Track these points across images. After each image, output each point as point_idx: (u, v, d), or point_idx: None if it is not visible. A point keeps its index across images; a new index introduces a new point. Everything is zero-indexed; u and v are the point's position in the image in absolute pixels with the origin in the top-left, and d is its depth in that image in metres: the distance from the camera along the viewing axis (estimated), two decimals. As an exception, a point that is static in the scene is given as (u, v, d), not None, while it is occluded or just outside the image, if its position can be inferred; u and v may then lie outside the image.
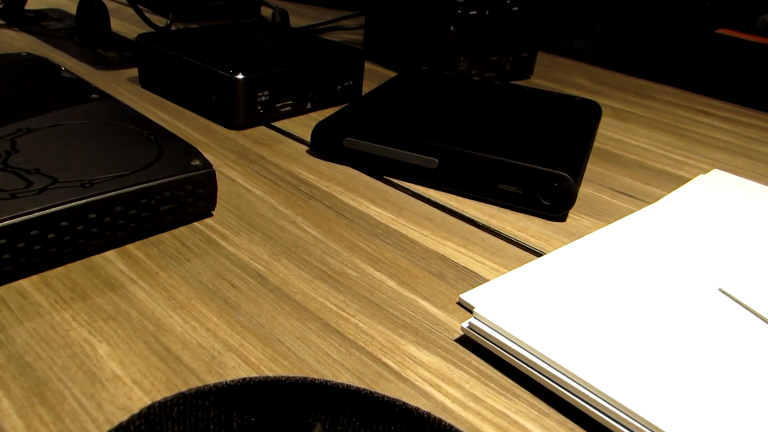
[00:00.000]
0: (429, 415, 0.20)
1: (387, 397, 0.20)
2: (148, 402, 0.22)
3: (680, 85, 0.71)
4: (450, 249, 0.33)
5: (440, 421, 0.20)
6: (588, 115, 0.46)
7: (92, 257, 0.29)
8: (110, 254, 0.30)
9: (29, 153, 0.31)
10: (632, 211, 0.39)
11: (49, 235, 0.27)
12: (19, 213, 0.26)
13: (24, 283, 0.27)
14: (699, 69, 0.79)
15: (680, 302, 0.28)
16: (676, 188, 0.42)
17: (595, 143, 0.51)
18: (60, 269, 0.28)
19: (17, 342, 0.24)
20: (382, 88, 0.48)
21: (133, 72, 0.56)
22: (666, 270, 0.30)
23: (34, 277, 0.28)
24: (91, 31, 0.62)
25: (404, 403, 0.20)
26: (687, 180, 0.44)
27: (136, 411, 0.21)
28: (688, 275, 0.30)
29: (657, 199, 0.41)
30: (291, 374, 0.24)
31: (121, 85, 0.52)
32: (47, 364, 0.23)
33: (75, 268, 0.29)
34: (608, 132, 0.54)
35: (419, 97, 0.47)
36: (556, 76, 0.70)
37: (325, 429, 0.20)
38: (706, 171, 0.46)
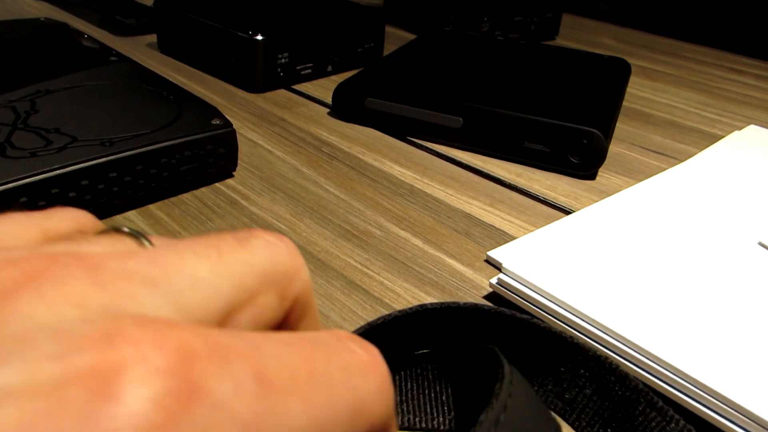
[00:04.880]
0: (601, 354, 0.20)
1: (553, 328, 0.20)
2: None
3: (708, 44, 0.68)
4: (476, 208, 0.33)
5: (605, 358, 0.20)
6: (617, 73, 0.45)
7: (114, 217, 0.29)
8: (131, 214, 0.30)
9: (49, 113, 0.31)
10: (664, 169, 0.38)
11: (70, 194, 0.27)
12: (39, 171, 0.26)
13: (47, 242, 0.27)
14: (727, 28, 0.76)
15: (718, 256, 0.27)
16: (709, 146, 0.40)
17: (624, 102, 0.49)
18: (82, 228, 0.28)
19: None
20: (404, 50, 0.47)
21: (153, 38, 0.56)
22: (702, 224, 0.29)
23: (57, 237, 0.27)
24: (109, -1, 0.62)
25: (571, 337, 0.20)
26: (720, 137, 0.43)
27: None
28: (725, 229, 0.29)
29: (689, 156, 0.39)
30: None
31: (141, 51, 0.52)
32: (71, 320, 0.23)
33: (97, 227, 0.28)
34: (637, 91, 0.52)
35: (442, 58, 0.46)
36: (582, 36, 0.68)
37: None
38: (740, 128, 0.45)
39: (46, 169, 0.26)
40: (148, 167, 0.29)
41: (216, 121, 0.32)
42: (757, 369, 0.21)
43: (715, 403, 0.20)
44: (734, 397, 0.19)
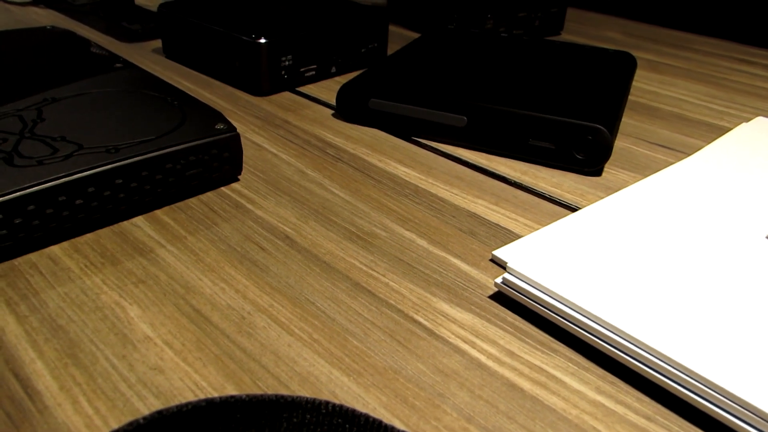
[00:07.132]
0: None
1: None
2: (180, 362, 0.22)
3: (717, 35, 0.68)
4: (481, 207, 0.33)
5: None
6: (622, 67, 0.44)
7: (121, 223, 0.29)
8: (138, 220, 0.30)
9: (55, 121, 0.31)
10: (671, 163, 0.38)
11: (77, 201, 0.27)
12: (45, 179, 0.26)
13: (55, 249, 0.27)
14: (736, 18, 0.75)
15: (725, 251, 0.27)
16: (716, 138, 0.40)
17: (630, 96, 0.49)
18: (89, 235, 0.28)
19: (50, 306, 0.24)
20: (407, 49, 0.47)
21: (158, 44, 0.56)
22: (709, 219, 0.29)
23: (65, 243, 0.28)
24: (116, 5, 0.62)
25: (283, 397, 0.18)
26: (728, 130, 0.42)
27: (168, 371, 0.21)
28: (733, 224, 0.29)
29: (697, 150, 0.39)
30: (312, 341, 0.24)
31: (147, 57, 0.52)
32: (79, 327, 0.23)
33: (104, 233, 0.29)
34: (644, 85, 0.52)
35: (446, 56, 0.45)
36: (587, 30, 0.68)
37: None
38: (748, 120, 0.44)
39: (52, 177, 0.26)
40: (153, 173, 0.29)
41: (220, 126, 0.32)
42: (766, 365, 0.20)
43: (728, 404, 0.20)
44: (748, 398, 0.19)
